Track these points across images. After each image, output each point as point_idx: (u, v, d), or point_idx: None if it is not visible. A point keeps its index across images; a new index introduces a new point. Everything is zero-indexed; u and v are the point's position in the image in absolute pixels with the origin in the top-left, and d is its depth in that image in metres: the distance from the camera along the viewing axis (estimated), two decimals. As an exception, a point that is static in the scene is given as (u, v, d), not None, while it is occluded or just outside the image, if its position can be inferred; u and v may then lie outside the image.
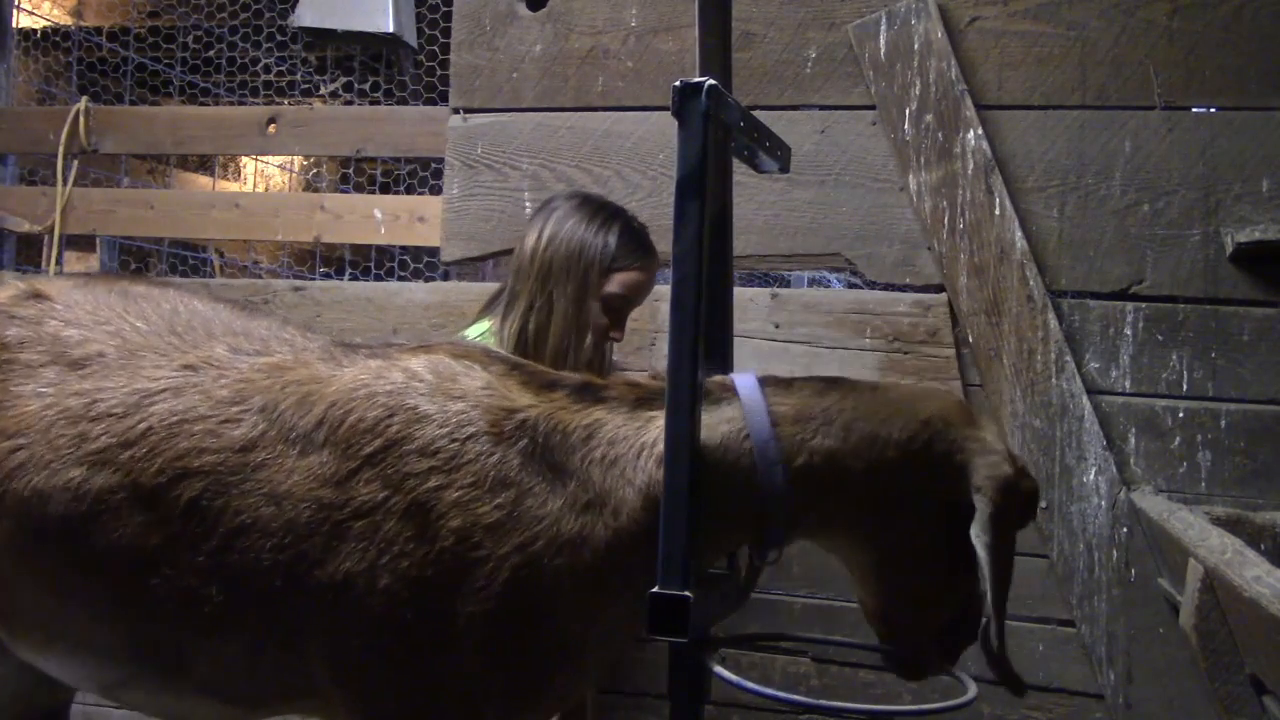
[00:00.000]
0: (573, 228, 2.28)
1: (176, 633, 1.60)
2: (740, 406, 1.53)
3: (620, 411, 1.56)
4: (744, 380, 1.57)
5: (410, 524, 1.49)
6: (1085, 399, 2.61)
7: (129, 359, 1.66)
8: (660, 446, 1.50)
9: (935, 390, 1.72)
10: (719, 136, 1.48)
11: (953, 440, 1.54)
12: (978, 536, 1.46)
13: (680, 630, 1.41)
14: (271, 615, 1.55)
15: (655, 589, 1.41)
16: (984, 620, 1.53)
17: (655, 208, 2.89)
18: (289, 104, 3.47)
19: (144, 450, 1.57)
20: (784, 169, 1.73)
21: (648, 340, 2.84)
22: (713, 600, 1.54)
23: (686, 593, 1.40)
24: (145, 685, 1.69)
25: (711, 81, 1.40)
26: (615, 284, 2.30)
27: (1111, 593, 2.58)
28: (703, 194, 1.39)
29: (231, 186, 3.97)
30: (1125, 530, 2.57)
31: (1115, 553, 2.58)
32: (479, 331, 2.38)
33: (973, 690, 1.53)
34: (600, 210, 2.33)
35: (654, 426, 1.53)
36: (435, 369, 1.59)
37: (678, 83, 1.40)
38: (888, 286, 2.88)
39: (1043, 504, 2.62)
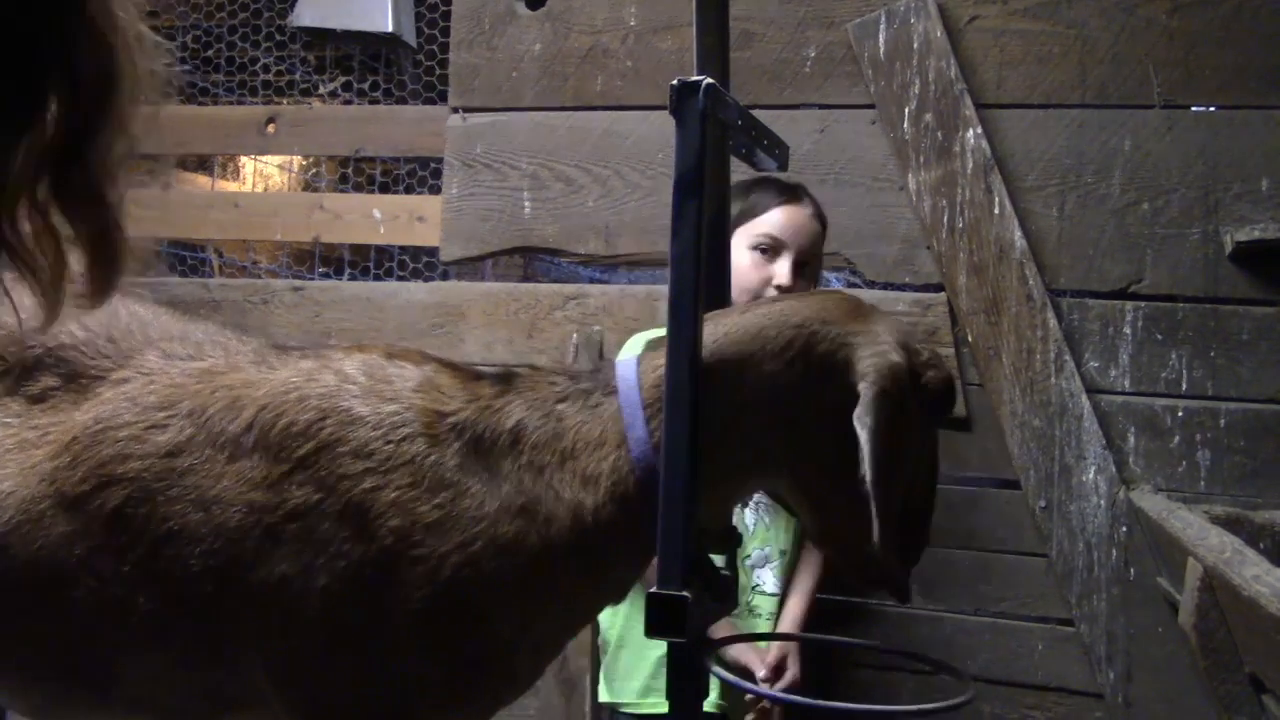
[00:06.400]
0: None
1: (104, 646, 1.57)
2: (616, 394, 1.51)
3: (538, 410, 1.54)
4: (625, 363, 1.56)
5: (347, 525, 1.47)
6: (1084, 398, 2.61)
7: (68, 376, 1.65)
8: (580, 459, 1.49)
9: (819, 293, 1.64)
10: (717, 135, 1.48)
11: (833, 337, 1.48)
12: (858, 419, 1.40)
13: (679, 630, 1.41)
14: (203, 622, 1.53)
15: (654, 589, 1.40)
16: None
17: (655, 207, 2.89)
18: (288, 103, 3.46)
19: (67, 459, 1.55)
20: (782, 167, 1.73)
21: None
22: (709, 600, 1.53)
23: (685, 593, 1.39)
24: (75, 704, 1.67)
25: (709, 80, 1.39)
26: (758, 226, 2.30)
27: (1111, 591, 2.58)
28: (701, 193, 1.39)
29: (230, 186, 3.96)
30: (1124, 529, 2.57)
31: (1114, 552, 2.58)
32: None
33: (970, 690, 1.51)
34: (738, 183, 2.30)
35: (568, 430, 1.52)
36: (368, 370, 1.57)
37: (675, 81, 1.40)
38: (887, 285, 2.88)
39: (1041, 503, 2.62)
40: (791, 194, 2.37)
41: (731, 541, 1.62)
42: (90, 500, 1.53)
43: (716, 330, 1.51)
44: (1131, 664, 2.57)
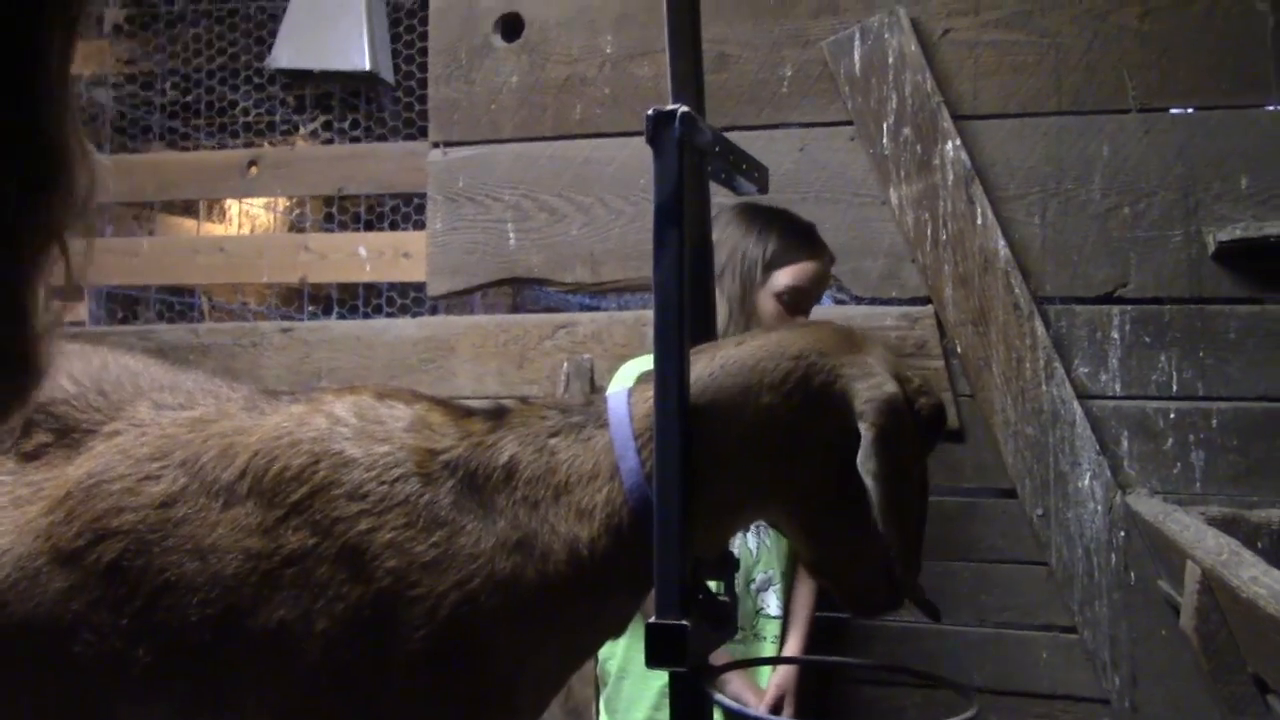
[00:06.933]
0: (731, 233, 2.35)
1: (105, 700, 1.56)
2: (608, 426, 1.51)
3: (531, 445, 1.54)
4: (616, 395, 1.55)
5: (344, 567, 1.47)
6: (1076, 404, 2.61)
7: (60, 431, 1.65)
8: (574, 493, 1.49)
9: (813, 324, 1.65)
10: (695, 162, 1.49)
11: (829, 369, 1.48)
12: (863, 465, 1.41)
13: (679, 659, 1.41)
14: (203, 671, 1.52)
15: (653, 619, 1.40)
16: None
17: (639, 233, 2.90)
18: (269, 145, 3.47)
19: (62, 515, 1.54)
20: (762, 190, 1.73)
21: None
22: (708, 627, 1.53)
23: (684, 622, 1.39)
24: None
25: (684, 108, 1.40)
26: (782, 279, 2.33)
27: (1112, 597, 2.58)
28: (681, 221, 1.39)
29: (217, 229, 3.96)
30: (1123, 534, 2.57)
31: (1114, 556, 2.58)
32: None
33: (975, 705, 1.50)
34: (757, 214, 2.38)
35: (561, 464, 1.51)
36: (359, 411, 1.57)
37: (651, 111, 1.41)
38: (874, 300, 2.88)
39: (1039, 511, 2.62)
40: (814, 247, 2.41)
41: (728, 567, 1.62)
42: (86, 555, 1.52)
43: (713, 363, 1.51)
44: (1136, 668, 2.56)
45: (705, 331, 1.59)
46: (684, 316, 1.41)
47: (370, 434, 1.55)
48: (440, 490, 1.51)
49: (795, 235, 2.39)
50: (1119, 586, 2.57)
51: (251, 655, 1.51)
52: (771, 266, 2.33)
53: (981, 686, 2.67)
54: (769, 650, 2.38)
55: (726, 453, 1.49)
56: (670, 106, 1.40)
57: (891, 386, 1.47)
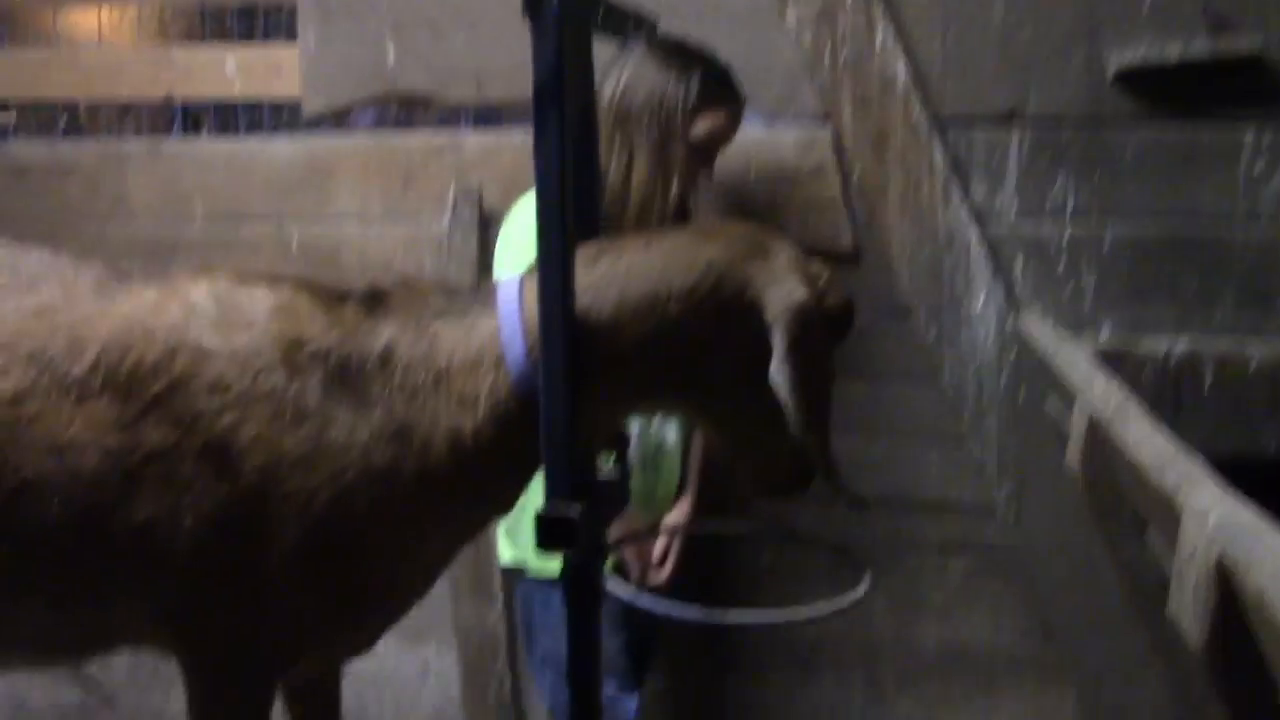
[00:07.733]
0: (648, 73, 2.15)
1: None
2: (496, 312, 1.46)
3: (409, 329, 1.48)
4: (508, 281, 1.51)
5: (208, 464, 1.43)
6: (972, 227, 2.59)
7: None
8: (456, 380, 1.45)
9: (723, 228, 1.61)
10: (577, 37, 1.38)
11: (740, 277, 1.45)
12: (777, 373, 1.41)
13: (569, 545, 1.40)
14: (69, 570, 1.49)
15: (541, 512, 1.38)
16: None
17: (528, 47, 2.74)
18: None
19: None
20: (651, 40, 1.63)
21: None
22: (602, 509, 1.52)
23: (572, 513, 1.38)
24: None
25: (564, -20, 1.29)
26: (701, 126, 2.20)
27: (1001, 413, 2.62)
28: (562, 103, 1.30)
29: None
30: (1014, 355, 2.59)
31: (1004, 375, 2.61)
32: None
33: (867, 579, 1.53)
34: (680, 52, 2.20)
35: (442, 348, 1.46)
36: (217, 298, 1.49)
37: (527, -18, 1.30)
38: (771, 122, 2.79)
39: (933, 332, 2.63)
40: (734, 94, 2.28)
41: (621, 444, 1.60)
42: None
43: (617, 264, 1.45)
44: (1021, 481, 2.63)
45: (590, 216, 1.52)
46: (567, 205, 1.33)
47: (230, 322, 1.47)
48: (309, 381, 1.45)
49: (717, 79, 2.24)
50: (1009, 403, 2.61)
51: (120, 554, 1.47)
52: (693, 113, 2.18)
53: (870, 495, 2.72)
54: (664, 481, 2.40)
55: (628, 355, 1.44)
56: (548, -24, 1.29)
57: (801, 293, 1.43)
